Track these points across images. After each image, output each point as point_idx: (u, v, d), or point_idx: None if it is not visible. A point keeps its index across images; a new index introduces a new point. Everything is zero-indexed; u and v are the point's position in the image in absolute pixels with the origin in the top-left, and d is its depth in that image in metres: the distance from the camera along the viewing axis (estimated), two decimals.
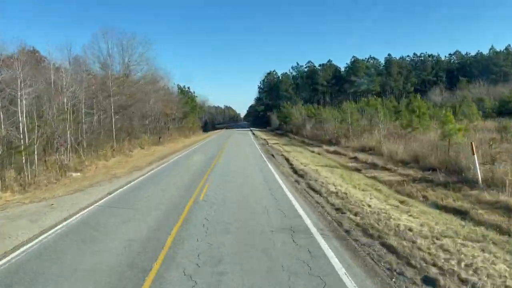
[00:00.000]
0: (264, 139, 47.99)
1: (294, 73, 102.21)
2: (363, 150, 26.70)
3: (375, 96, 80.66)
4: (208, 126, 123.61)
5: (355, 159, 23.37)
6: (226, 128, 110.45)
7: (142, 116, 47.33)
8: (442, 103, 52.46)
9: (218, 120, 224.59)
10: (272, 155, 26.65)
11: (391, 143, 23.35)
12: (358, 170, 18.85)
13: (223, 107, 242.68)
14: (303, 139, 46.73)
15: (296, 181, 15.65)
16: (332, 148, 30.42)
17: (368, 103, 40.27)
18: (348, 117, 35.30)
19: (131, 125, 37.55)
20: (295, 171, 18.22)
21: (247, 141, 45.96)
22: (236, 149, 33.80)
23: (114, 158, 28.30)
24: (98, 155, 26.23)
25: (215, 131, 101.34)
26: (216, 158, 25.61)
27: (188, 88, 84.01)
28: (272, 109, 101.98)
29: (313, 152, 29.89)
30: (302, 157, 24.76)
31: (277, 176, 16.91)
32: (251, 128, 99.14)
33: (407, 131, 26.31)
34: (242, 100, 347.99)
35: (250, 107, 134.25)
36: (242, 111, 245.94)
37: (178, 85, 69.70)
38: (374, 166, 19.55)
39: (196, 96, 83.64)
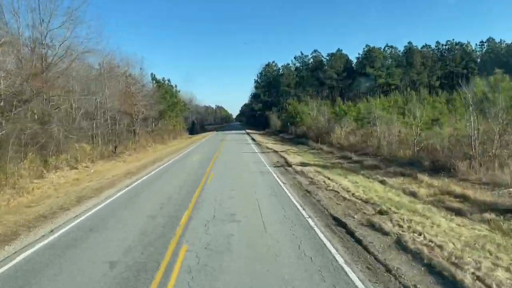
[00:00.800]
0: (274, 151, 31.62)
1: (297, 65, 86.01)
2: None
3: (396, 91, 65.41)
4: (196, 127, 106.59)
5: None
6: (217, 130, 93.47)
7: (87, 116, 30.46)
8: None
9: (209, 120, 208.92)
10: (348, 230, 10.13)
11: None
12: None
13: (214, 107, 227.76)
14: (333, 150, 30.30)
15: None
16: (437, 182, 14.15)
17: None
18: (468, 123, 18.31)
19: (46, 131, 20.77)
20: None
21: (248, 156, 29.39)
22: (236, 182, 17.45)
23: None
24: None
25: (204, 133, 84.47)
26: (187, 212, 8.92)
27: (168, 80, 67.05)
28: (272, 107, 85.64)
29: (398, 192, 13.60)
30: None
31: None
32: (247, 130, 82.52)
33: None
34: (234, 100, 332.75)
35: (245, 105, 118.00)
36: (235, 112, 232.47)
37: (152, 75, 52.80)
38: None
39: (178, 91, 66.84)
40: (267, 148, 34.03)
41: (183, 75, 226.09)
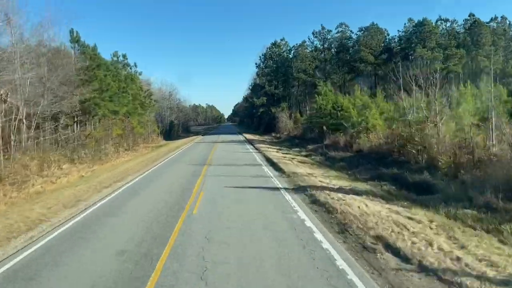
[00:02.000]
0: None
1: (317, 43, 61.38)
2: None
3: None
4: (177, 130, 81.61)
5: None
6: (203, 135, 68.50)
7: None
8: None
9: (199, 120, 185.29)
10: None
11: None
12: None
13: (205, 106, 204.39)
14: None
15: None
16: None
17: None
18: None
19: None
20: None
21: None
22: None
23: None
24: None
25: (186, 139, 59.57)
26: None
27: (123, 56, 42.10)
28: (279, 102, 61.04)
29: None
30: None
31: None
32: (245, 135, 57.76)
33: None
34: (226, 100, 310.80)
35: (241, 102, 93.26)
36: (227, 112, 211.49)
37: (72, 32, 27.42)
38: None
39: (139, 74, 41.81)
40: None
41: (175, 73, 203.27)
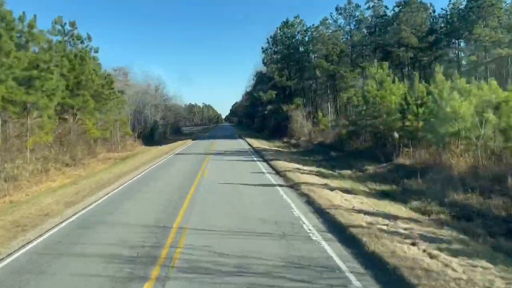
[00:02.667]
0: None
1: (341, 22, 47.43)
2: None
3: None
4: (164, 132, 67.50)
5: None
6: (194, 139, 54.38)
7: None
8: None
9: (195, 121, 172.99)
10: None
11: None
12: None
13: (201, 105, 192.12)
14: None
15: None
16: None
17: None
18: None
19: None
20: None
21: None
22: None
23: None
24: None
25: (172, 144, 45.58)
26: None
27: (72, 25, 28.22)
28: (291, 98, 47.29)
29: None
30: None
31: None
32: (248, 142, 43.82)
33: None
34: (223, 100, 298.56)
35: (246, 94, 79.40)
36: (224, 112, 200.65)
37: None
38: None
39: (94, 51, 27.47)
40: None
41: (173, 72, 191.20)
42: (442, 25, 46.14)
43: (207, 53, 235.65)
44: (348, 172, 18.70)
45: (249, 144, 38.21)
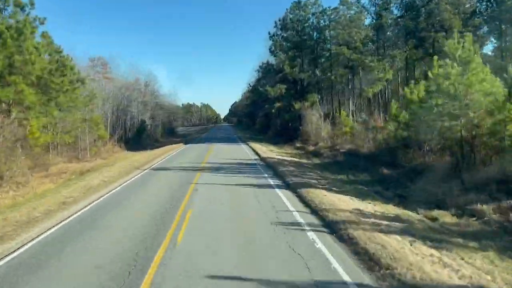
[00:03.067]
0: None
1: (365, 2, 39.14)
2: None
3: None
4: (153, 133, 59.08)
5: None
6: (186, 143, 45.86)
7: None
8: None
9: (193, 121, 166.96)
10: None
11: None
12: None
13: (199, 105, 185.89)
14: None
15: None
16: None
17: None
18: None
19: None
20: None
21: None
22: None
23: None
24: None
25: (158, 150, 37.05)
26: None
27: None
28: (305, 93, 39.05)
29: None
30: None
31: None
32: (252, 147, 35.50)
33: None
34: (222, 101, 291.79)
35: (251, 90, 70.83)
36: (223, 113, 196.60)
37: None
38: None
39: (39, 22, 19.57)
40: None
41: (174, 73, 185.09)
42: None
43: (207, 52, 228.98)
44: (443, 212, 10.42)
45: (255, 151, 29.87)
